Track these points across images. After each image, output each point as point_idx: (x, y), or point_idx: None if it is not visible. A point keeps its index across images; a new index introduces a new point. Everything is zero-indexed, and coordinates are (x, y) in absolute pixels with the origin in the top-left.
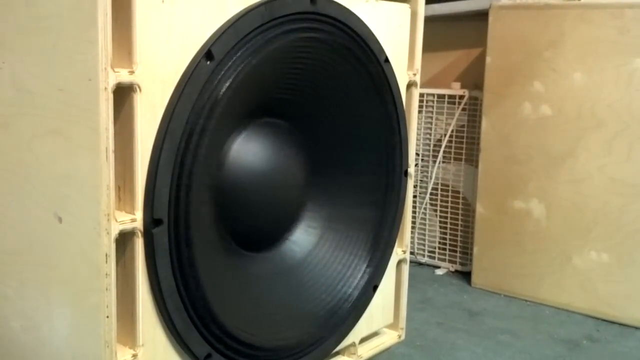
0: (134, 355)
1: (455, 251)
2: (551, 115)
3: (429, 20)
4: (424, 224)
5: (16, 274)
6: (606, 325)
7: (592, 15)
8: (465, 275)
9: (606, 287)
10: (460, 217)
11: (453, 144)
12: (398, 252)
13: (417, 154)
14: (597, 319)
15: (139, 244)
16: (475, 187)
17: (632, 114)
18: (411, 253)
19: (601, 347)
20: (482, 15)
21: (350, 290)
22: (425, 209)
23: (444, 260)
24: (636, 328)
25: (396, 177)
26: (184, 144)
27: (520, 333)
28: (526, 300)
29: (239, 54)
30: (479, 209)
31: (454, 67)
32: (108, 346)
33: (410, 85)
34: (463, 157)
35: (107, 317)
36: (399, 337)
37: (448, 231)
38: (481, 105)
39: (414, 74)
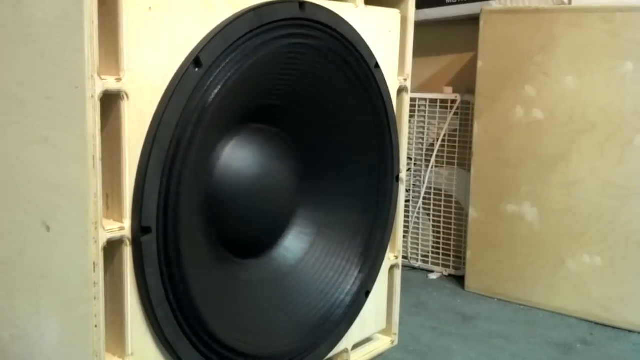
0: None
1: (449, 255)
2: (543, 118)
3: (420, 25)
4: (417, 229)
5: (5, 282)
6: (600, 329)
7: (583, 19)
8: (459, 279)
9: (600, 291)
10: (453, 221)
11: (445, 148)
12: (390, 258)
13: (410, 159)
14: (591, 322)
15: (128, 252)
16: (468, 191)
17: (623, 117)
18: (404, 257)
19: (595, 351)
20: (473, 20)
21: (342, 296)
22: (418, 213)
23: (437, 264)
24: (630, 331)
25: (387, 182)
26: (173, 151)
27: (514, 337)
28: (520, 304)
29: (227, 60)
30: (472, 212)
31: (445, 71)
32: (97, 356)
33: (401, 90)
34: (456, 161)
35: (96, 326)
36: (392, 342)
37: (441, 235)
38: (473, 109)
39: (405, 79)
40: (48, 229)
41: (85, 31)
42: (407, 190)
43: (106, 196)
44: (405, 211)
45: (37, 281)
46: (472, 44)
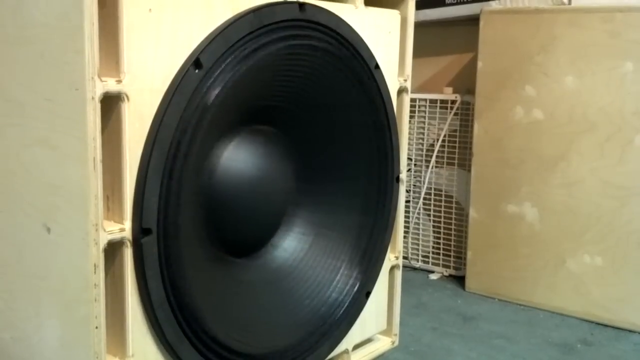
0: None
1: (449, 255)
2: (543, 119)
3: (420, 25)
4: (418, 229)
5: (5, 284)
6: (600, 329)
7: (583, 19)
8: (459, 280)
9: (600, 290)
10: (453, 221)
11: (446, 149)
12: (391, 258)
13: (410, 159)
14: (592, 322)
15: (128, 254)
16: (468, 192)
17: (623, 117)
18: (405, 258)
19: (595, 351)
20: (473, 20)
21: (343, 296)
22: (418, 213)
23: (437, 264)
24: (630, 331)
25: (388, 183)
26: (173, 153)
27: (514, 337)
28: (520, 304)
29: (227, 61)
30: (472, 213)
31: (445, 72)
32: (98, 357)
33: (401, 91)
34: (456, 161)
35: (97, 328)
36: (393, 343)
37: (442, 236)
38: (473, 109)
39: (405, 80)
40: (48, 230)
41: (85, 33)
42: (408, 191)
43: (107, 198)
44: (406, 212)
45: (38, 283)
46: (472, 45)
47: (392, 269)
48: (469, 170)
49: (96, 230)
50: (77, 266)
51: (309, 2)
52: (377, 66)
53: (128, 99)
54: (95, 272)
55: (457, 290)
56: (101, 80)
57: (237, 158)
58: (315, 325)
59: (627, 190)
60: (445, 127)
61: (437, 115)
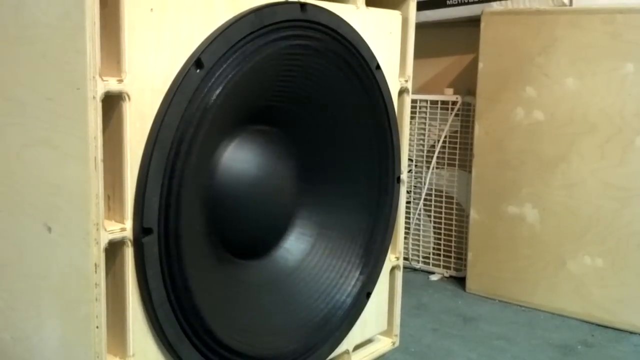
0: None
1: (450, 257)
2: (544, 120)
3: (421, 26)
4: (418, 230)
5: (6, 284)
6: (601, 330)
7: (584, 20)
8: (460, 281)
9: (601, 292)
10: (454, 222)
11: (446, 150)
12: (391, 259)
13: (411, 160)
14: (592, 323)
15: (129, 253)
16: (469, 193)
17: (624, 118)
18: (405, 259)
19: (596, 352)
20: (474, 21)
21: (343, 297)
22: (419, 214)
23: (438, 265)
24: (631, 333)
25: (389, 183)
26: (174, 153)
27: (515, 338)
28: (521, 306)
29: (229, 62)
30: (473, 214)
31: (446, 73)
32: (98, 357)
33: (402, 91)
34: (456, 162)
35: (97, 327)
36: (393, 343)
37: (442, 237)
38: (474, 110)
39: (406, 81)
40: (49, 230)
41: (87, 33)
42: (408, 192)
43: (107, 197)
44: (406, 212)
45: (39, 282)
46: (473, 46)
47: (393, 269)
48: (470, 171)
49: (97, 229)
50: (78, 266)
51: (310, 3)
52: (378, 67)
53: (129, 99)
54: (96, 272)
55: (458, 291)
56: (102, 80)
57: (238, 158)
58: (316, 326)
59: (627, 192)
60: (446, 128)
61: (438, 116)
